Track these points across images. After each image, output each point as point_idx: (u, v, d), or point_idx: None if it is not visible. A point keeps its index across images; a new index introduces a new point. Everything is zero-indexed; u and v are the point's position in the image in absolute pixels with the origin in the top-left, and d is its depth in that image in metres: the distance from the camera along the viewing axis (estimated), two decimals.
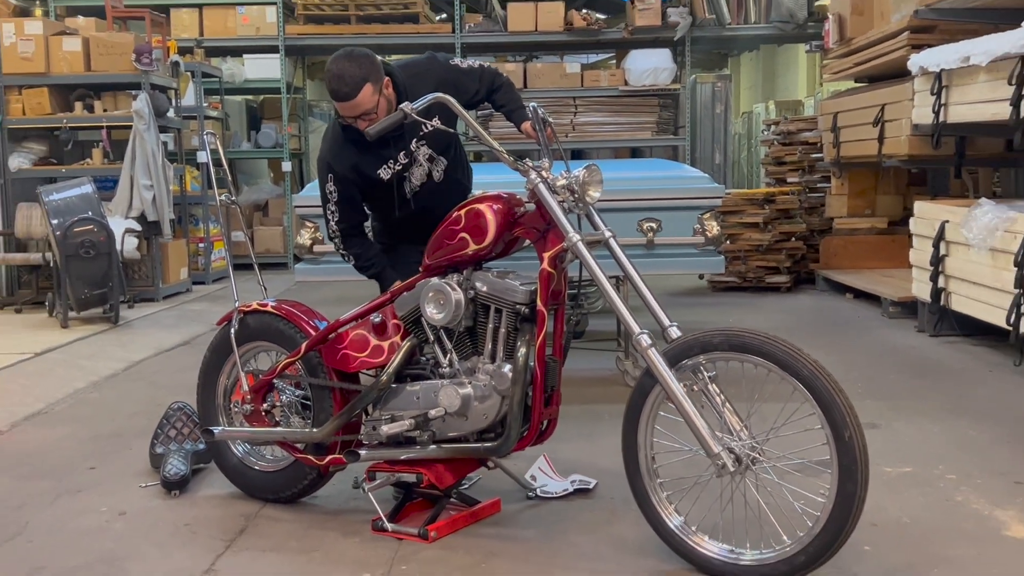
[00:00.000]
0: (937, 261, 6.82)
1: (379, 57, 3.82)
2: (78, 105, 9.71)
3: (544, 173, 3.36)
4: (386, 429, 3.49)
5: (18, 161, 9.70)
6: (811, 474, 3.19)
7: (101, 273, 8.23)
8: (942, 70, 6.64)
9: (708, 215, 5.58)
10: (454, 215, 3.48)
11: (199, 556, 3.46)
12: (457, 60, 4.17)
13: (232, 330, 3.94)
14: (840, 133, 9.02)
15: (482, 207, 3.43)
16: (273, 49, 12.35)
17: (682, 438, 3.28)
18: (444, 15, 13.63)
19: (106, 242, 8.24)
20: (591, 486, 3.98)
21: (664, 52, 12.12)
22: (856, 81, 9.31)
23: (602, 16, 13.57)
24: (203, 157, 10.51)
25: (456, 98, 3.56)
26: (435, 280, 3.49)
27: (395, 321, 3.64)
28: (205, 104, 11.47)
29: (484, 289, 3.44)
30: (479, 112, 4.41)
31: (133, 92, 9.56)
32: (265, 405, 3.93)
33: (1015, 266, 5.72)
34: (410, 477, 3.58)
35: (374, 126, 3.51)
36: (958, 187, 8.89)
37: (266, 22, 12.29)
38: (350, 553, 3.45)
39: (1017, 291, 5.74)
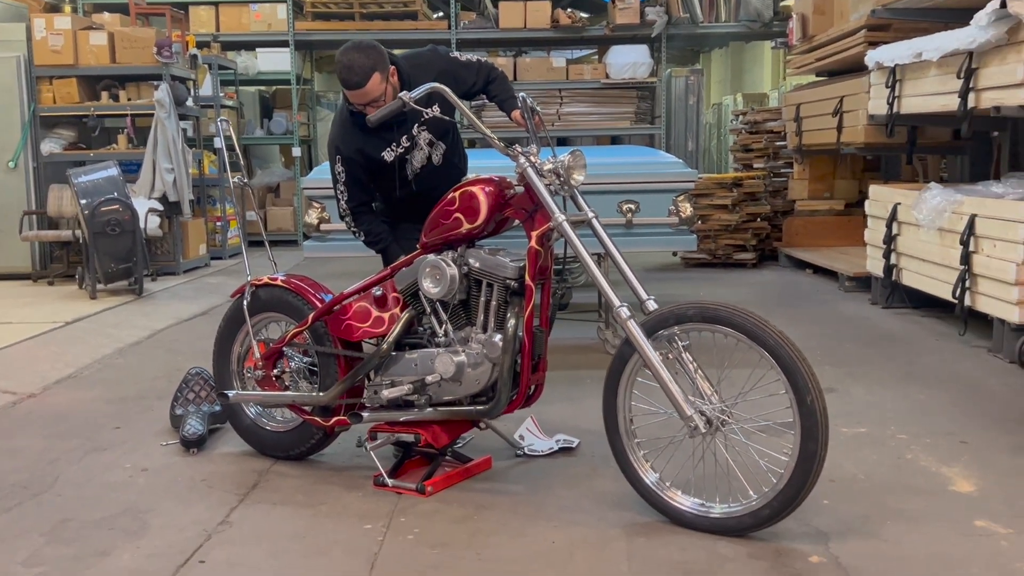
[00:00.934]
0: (890, 240, 6.79)
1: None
2: (104, 94, 9.58)
3: (532, 158, 3.31)
4: (387, 393, 3.45)
5: (49, 146, 9.58)
6: (775, 435, 3.16)
7: (126, 249, 8.15)
8: (896, 65, 6.58)
9: (682, 197, 5.54)
10: (449, 196, 3.43)
11: (215, 508, 3.43)
12: (457, 53, 4.10)
13: (245, 302, 3.89)
14: (802, 123, 8.96)
15: (475, 189, 3.38)
16: (283, 44, 12.21)
17: (658, 402, 3.25)
18: (441, 13, 13.48)
19: (130, 220, 8.15)
20: (574, 445, 3.96)
21: (642, 48, 12.01)
22: (817, 75, 9.23)
23: (585, 15, 13.44)
24: (219, 143, 10.40)
25: (454, 88, 3.51)
26: (432, 257, 3.44)
27: (395, 294, 3.60)
28: (221, 94, 11.33)
29: (477, 265, 3.39)
30: (473, 103, 4.34)
31: (155, 83, 9.43)
32: (275, 371, 3.89)
33: (960, 244, 5.69)
34: (408, 437, 3.55)
35: (374, 114, 3.46)
36: (909, 172, 8.86)
37: (277, 18, 12.14)
38: (353, 506, 3.42)
39: (962, 267, 5.72)
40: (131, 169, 9.34)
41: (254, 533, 3.21)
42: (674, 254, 9.51)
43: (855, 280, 7.77)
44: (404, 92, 3.37)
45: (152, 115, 9.19)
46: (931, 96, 6.21)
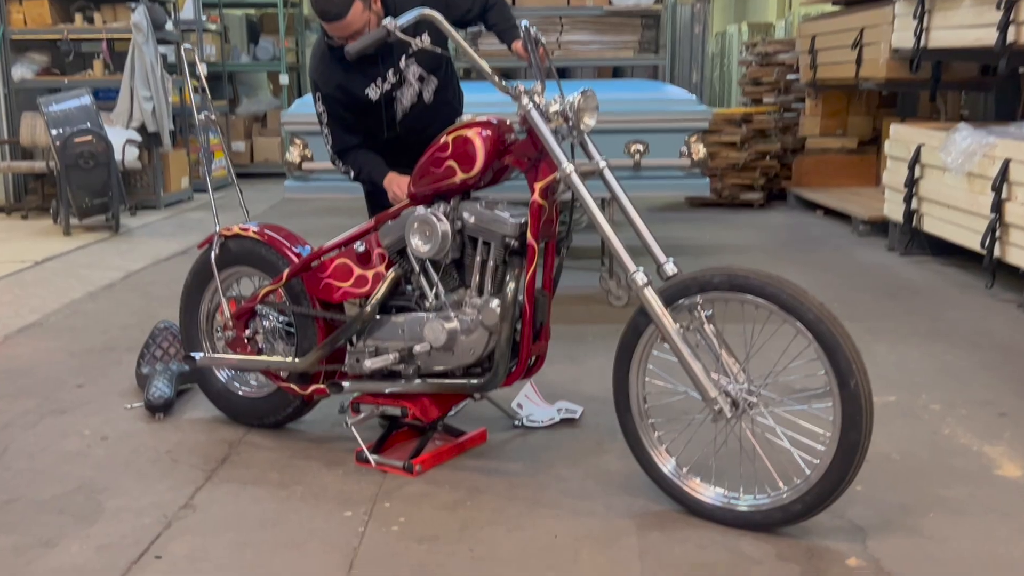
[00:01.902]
0: (911, 183, 6.37)
1: None
2: (78, 16, 9.02)
3: (537, 98, 2.89)
4: (370, 364, 3.07)
5: (21, 71, 9.06)
6: (809, 419, 2.79)
7: (101, 183, 7.70)
8: None
9: (695, 137, 5.10)
10: (441, 141, 3.01)
11: (178, 488, 3.06)
12: None
13: (213, 254, 3.49)
14: (818, 55, 8.46)
15: (470, 134, 2.96)
16: None
17: (674, 377, 2.88)
18: None
19: (105, 152, 7.69)
20: (577, 415, 3.60)
21: None
22: (833, 3, 8.71)
23: None
24: (196, 70, 9.87)
25: (446, 15, 3.06)
26: (421, 210, 3.04)
27: (379, 250, 3.20)
28: (204, 17, 10.75)
29: (472, 220, 2.99)
30: (469, 30, 3.89)
31: (132, 4, 8.89)
32: (248, 332, 3.50)
33: (992, 191, 5.29)
34: (395, 410, 3.17)
35: (353, 44, 3.02)
36: (927, 109, 8.40)
37: None
38: (333, 488, 3.06)
39: (993, 216, 5.32)
40: (109, 96, 8.86)
41: (219, 520, 2.85)
42: None
43: (870, 224, 7.37)
44: (389, 19, 2.93)
45: (130, 39, 8.66)
46: (964, 29, 5.74)
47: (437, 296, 3.09)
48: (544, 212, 2.90)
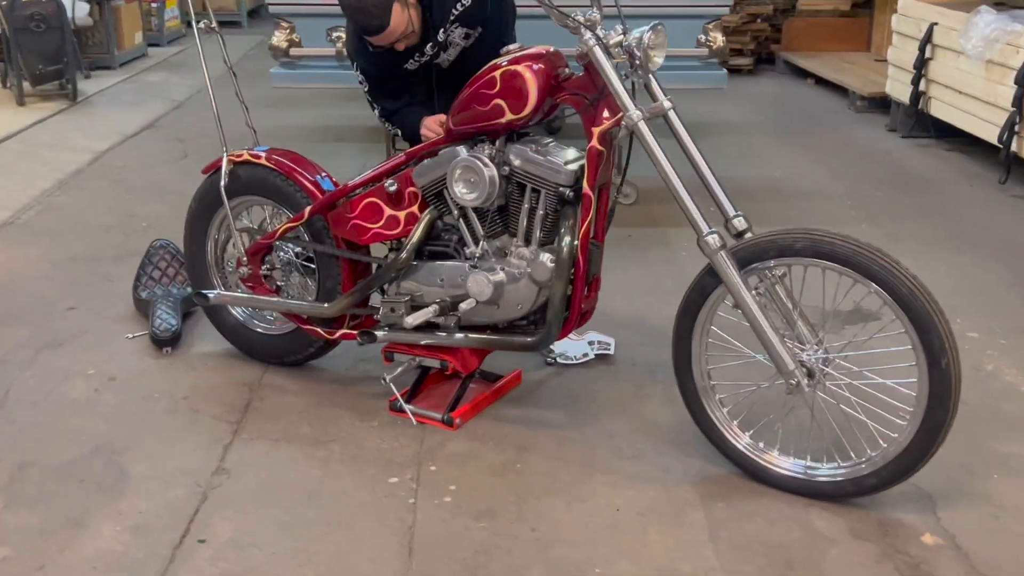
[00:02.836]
0: (921, 64, 6.12)
1: None
2: None
3: (600, 32, 2.58)
4: (412, 320, 2.83)
5: None
6: (884, 391, 2.64)
7: (55, 47, 7.14)
8: None
9: (713, 24, 4.80)
10: (487, 76, 2.70)
11: (206, 448, 2.87)
12: None
13: (223, 183, 3.18)
14: None
15: (521, 69, 2.66)
16: None
17: (737, 340, 2.72)
18: None
19: (56, 15, 7.11)
20: (611, 350, 3.44)
21: None
22: None
23: None
24: None
25: None
26: (464, 153, 2.76)
27: (412, 189, 2.92)
28: None
29: (521, 166, 2.72)
30: None
31: None
32: (264, 268, 3.25)
33: (1016, 83, 5.08)
34: (433, 362, 2.98)
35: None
36: None
37: None
38: (370, 445, 2.89)
39: (1013, 110, 5.13)
40: None
41: (257, 490, 2.68)
42: None
43: (867, 100, 7.14)
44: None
45: None
46: None
47: (477, 243, 2.86)
48: (602, 159, 2.65)
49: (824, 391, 2.59)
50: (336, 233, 3.04)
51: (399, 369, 3.00)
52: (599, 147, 2.62)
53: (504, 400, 3.16)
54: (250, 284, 3.26)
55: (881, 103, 6.99)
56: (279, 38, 4.82)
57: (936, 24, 5.96)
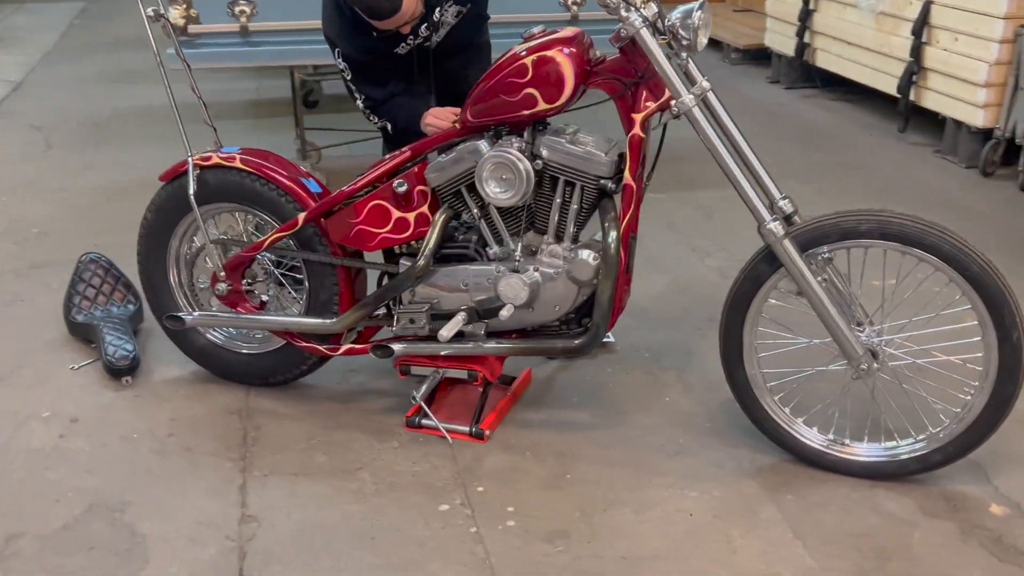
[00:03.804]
0: (805, 16, 6.22)
1: None
2: None
3: (645, 11, 2.40)
4: (445, 333, 2.57)
5: None
6: (945, 368, 2.63)
7: None
8: None
9: None
10: (517, 64, 2.47)
11: (218, 493, 2.56)
12: None
13: (191, 191, 2.82)
14: None
15: (553, 54, 2.45)
16: None
17: (784, 328, 2.65)
18: None
19: None
20: (611, 337, 3.30)
21: None
22: None
23: None
24: None
25: None
26: (488, 147, 2.53)
27: (420, 187, 2.67)
28: None
29: (555, 158, 2.52)
30: None
31: None
32: (245, 282, 2.92)
33: (912, 35, 5.22)
34: (460, 374, 2.75)
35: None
36: None
37: None
38: (401, 469, 2.65)
39: (910, 60, 5.28)
40: None
41: (299, 537, 2.40)
42: None
43: (742, 52, 7.23)
44: None
45: None
46: None
47: (502, 243, 2.64)
48: (644, 147, 2.49)
49: (885, 371, 2.55)
50: (338, 240, 2.75)
51: (425, 385, 2.76)
52: (641, 134, 2.46)
53: (520, 403, 2.98)
54: (229, 302, 2.92)
55: (755, 55, 7.09)
56: (174, 14, 4.35)
57: None
